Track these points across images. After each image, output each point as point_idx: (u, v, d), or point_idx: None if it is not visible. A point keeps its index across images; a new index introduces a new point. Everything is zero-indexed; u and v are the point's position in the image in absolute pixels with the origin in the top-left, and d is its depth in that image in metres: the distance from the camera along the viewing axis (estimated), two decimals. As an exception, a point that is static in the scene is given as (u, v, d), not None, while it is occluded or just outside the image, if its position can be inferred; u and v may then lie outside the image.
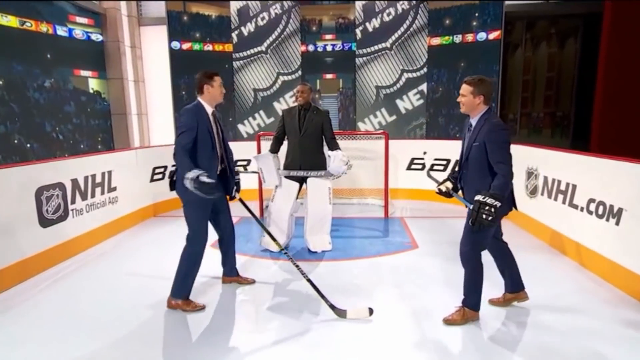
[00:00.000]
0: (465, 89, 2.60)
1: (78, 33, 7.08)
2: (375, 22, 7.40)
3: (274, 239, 3.44)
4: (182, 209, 3.01)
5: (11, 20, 5.79)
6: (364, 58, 7.56)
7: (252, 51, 7.79)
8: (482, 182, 2.52)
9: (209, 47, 7.83)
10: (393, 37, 7.40)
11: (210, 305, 3.08)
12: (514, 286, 2.90)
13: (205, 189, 2.71)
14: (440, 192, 2.85)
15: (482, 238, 2.63)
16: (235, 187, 3.27)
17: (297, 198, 4.28)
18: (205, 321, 2.87)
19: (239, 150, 6.54)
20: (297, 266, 3.12)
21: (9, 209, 3.45)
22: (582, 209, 3.75)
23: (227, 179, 3.19)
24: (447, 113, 7.44)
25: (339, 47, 7.70)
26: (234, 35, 7.77)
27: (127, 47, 7.97)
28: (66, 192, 4.13)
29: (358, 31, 7.51)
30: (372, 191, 6.24)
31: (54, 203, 3.97)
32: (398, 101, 7.58)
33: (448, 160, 6.19)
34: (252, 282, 3.49)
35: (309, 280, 3.01)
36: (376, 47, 7.47)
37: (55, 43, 6.57)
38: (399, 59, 7.46)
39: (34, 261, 3.68)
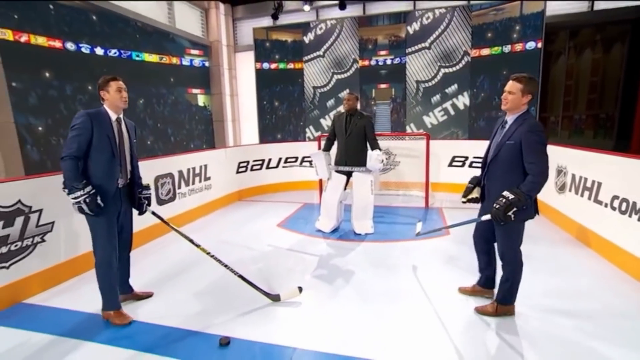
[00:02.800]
0: (514, 86, 2.19)
1: (196, 62, 8.05)
2: (416, 26, 7.43)
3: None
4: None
5: (154, 57, 6.84)
6: (408, 56, 7.62)
7: (312, 55, 8.21)
8: (510, 180, 2.18)
9: (291, 66, 8.29)
10: (431, 38, 7.35)
11: (262, 270, 3.27)
12: (488, 283, 2.72)
13: (92, 205, 2.30)
14: (470, 201, 2.56)
15: (518, 237, 2.31)
16: (146, 202, 2.72)
17: (345, 189, 4.45)
18: (260, 283, 2.94)
19: (305, 148, 6.97)
20: (218, 260, 2.78)
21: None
22: (606, 205, 3.45)
23: (133, 193, 2.67)
24: (488, 116, 7.13)
25: (397, 61, 7.68)
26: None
27: (225, 70, 8.84)
28: (174, 180, 4.73)
29: (402, 34, 7.63)
30: (415, 184, 6.23)
31: (166, 188, 4.60)
32: (447, 104, 7.38)
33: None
34: (151, 294, 2.94)
35: (232, 271, 2.73)
36: (417, 47, 7.49)
37: (176, 70, 7.54)
38: (437, 56, 7.38)
39: (155, 229, 4.25)
